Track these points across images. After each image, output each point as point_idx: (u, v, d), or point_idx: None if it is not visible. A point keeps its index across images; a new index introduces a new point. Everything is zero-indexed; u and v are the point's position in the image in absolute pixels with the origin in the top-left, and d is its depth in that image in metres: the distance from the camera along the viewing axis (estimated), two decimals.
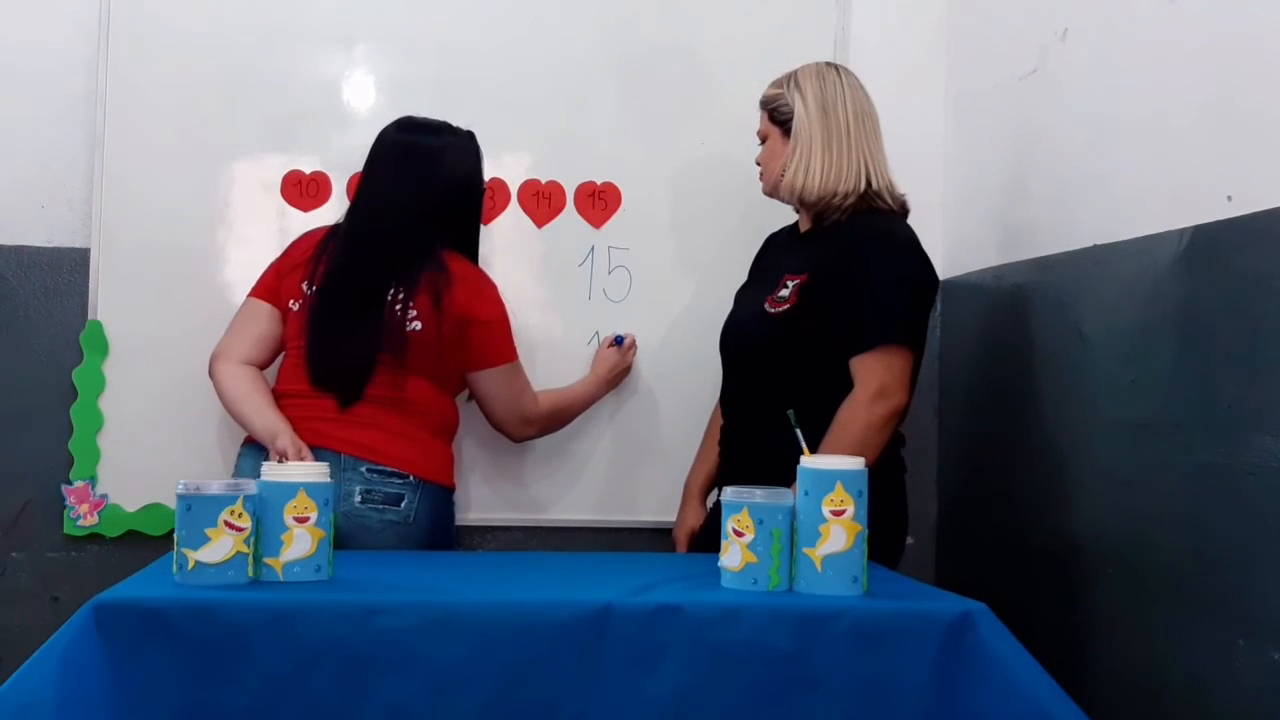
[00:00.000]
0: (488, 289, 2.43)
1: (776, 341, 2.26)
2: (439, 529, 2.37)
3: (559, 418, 2.62)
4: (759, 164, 2.40)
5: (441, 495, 2.39)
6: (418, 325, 2.33)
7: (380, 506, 2.29)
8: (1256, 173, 1.77)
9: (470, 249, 2.49)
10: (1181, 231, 1.92)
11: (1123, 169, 2.13)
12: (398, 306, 2.33)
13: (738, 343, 2.38)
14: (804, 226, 2.38)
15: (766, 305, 2.29)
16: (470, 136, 2.51)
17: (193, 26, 2.70)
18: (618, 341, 2.73)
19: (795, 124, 2.30)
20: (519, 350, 2.49)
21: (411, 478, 2.31)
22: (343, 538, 2.19)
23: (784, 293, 2.28)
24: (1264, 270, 1.73)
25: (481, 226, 2.58)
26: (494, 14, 2.81)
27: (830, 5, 2.88)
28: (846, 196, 2.26)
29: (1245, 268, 1.78)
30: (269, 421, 2.30)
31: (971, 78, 2.81)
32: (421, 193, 2.40)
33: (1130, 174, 2.10)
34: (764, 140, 2.38)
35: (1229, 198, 1.82)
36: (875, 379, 2.16)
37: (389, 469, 2.30)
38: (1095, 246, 2.18)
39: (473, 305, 2.37)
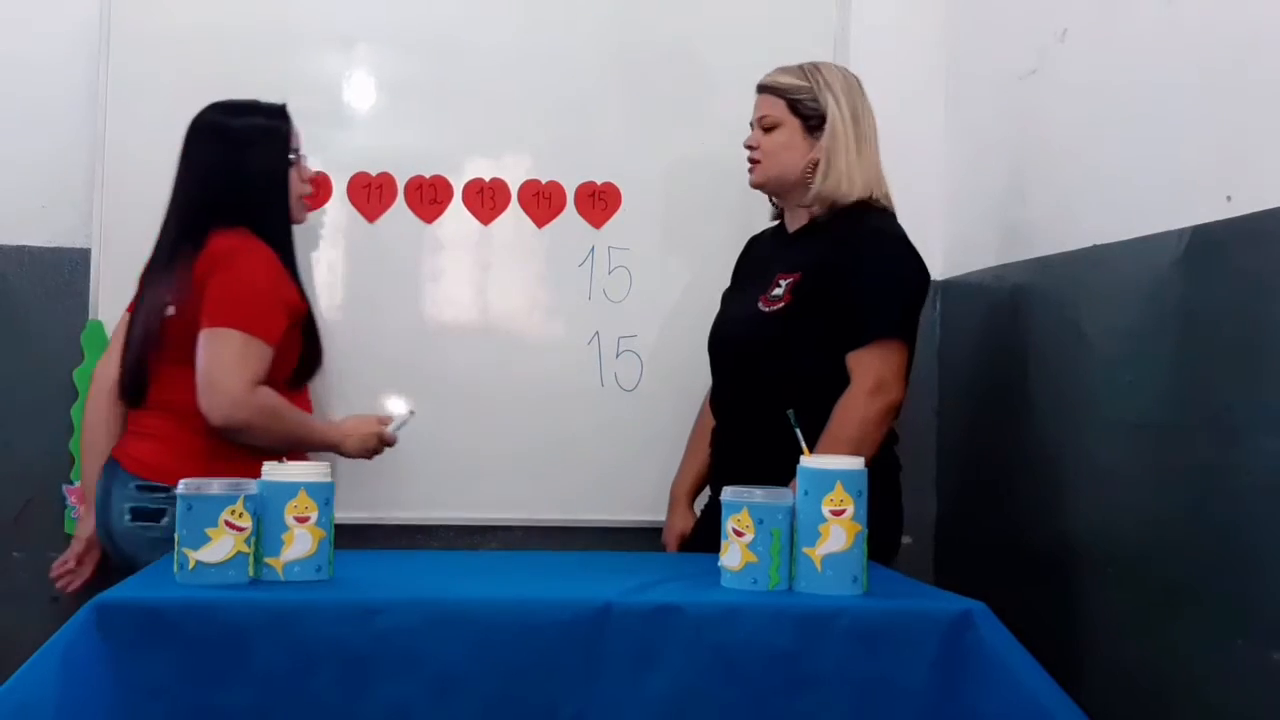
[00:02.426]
0: (238, 259, 2.23)
1: (773, 340, 2.26)
2: None
3: (278, 423, 2.24)
4: (754, 147, 2.34)
5: None
6: (171, 310, 2.26)
7: (145, 524, 2.22)
8: (1256, 173, 1.77)
9: (264, 228, 2.29)
10: (1181, 231, 1.92)
11: (1122, 169, 2.13)
12: (167, 298, 2.27)
13: (731, 343, 2.37)
14: (794, 226, 2.38)
15: (760, 304, 2.29)
16: (260, 112, 2.38)
17: (193, 27, 2.71)
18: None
19: (830, 126, 2.28)
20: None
21: (172, 491, 2.18)
22: (128, 560, 2.20)
23: (778, 291, 2.27)
24: (1264, 270, 1.73)
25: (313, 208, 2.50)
26: (494, 14, 2.81)
27: (830, 5, 2.89)
28: (857, 201, 2.28)
29: (1245, 268, 1.78)
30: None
31: (971, 78, 2.81)
32: (194, 181, 2.33)
33: (1130, 174, 2.10)
34: (770, 128, 2.33)
35: (1229, 198, 1.82)
36: (872, 374, 2.17)
37: (151, 483, 2.23)
38: (1095, 246, 2.18)
39: (210, 273, 2.22)
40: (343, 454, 2.37)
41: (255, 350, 2.20)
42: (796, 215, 2.38)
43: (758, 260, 2.46)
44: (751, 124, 2.38)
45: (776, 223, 2.46)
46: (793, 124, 2.31)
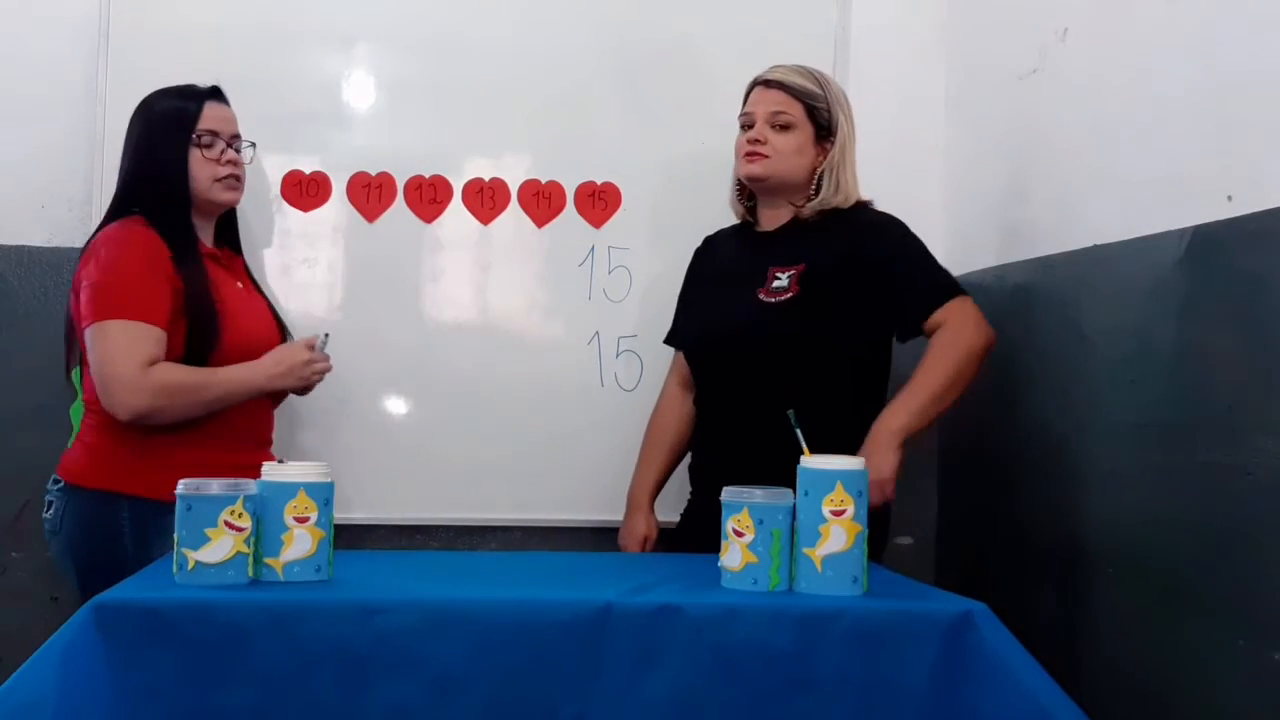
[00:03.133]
0: (103, 249, 2.21)
1: (783, 329, 2.27)
2: (94, 540, 2.19)
3: (190, 393, 2.18)
4: (762, 141, 2.33)
5: (96, 500, 2.20)
6: (70, 313, 2.28)
7: (45, 515, 2.26)
8: (1256, 173, 1.77)
9: (156, 215, 2.25)
10: (1181, 231, 1.92)
11: (1123, 169, 2.13)
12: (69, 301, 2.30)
13: (730, 338, 2.35)
14: (771, 224, 2.40)
15: (761, 297, 2.29)
16: (177, 96, 2.33)
17: (193, 26, 2.70)
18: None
19: (840, 139, 2.35)
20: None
21: (62, 483, 2.24)
22: None
23: (779, 284, 2.29)
24: (1264, 270, 1.73)
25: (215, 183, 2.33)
26: (494, 14, 2.81)
27: (830, 5, 2.89)
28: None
29: (1245, 268, 1.78)
30: None
31: (971, 78, 2.81)
32: (120, 170, 2.35)
33: (1130, 174, 2.10)
34: (785, 127, 2.34)
35: (1229, 198, 1.82)
36: (971, 315, 2.24)
37: (55, 475, 2.27)
38: (1095, 246, 2.18)
39: (82, 272, 2.22)
40: (276, 391, 2.31)
41: (139, 333, 2.14)
42: (776, 214, 2.40)
43: (730, 260, 2.46)
44: (749, 114, 2.37)
45: (737, 222, 2.49)
46: (807, 129, 2.34)
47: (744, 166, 2.36)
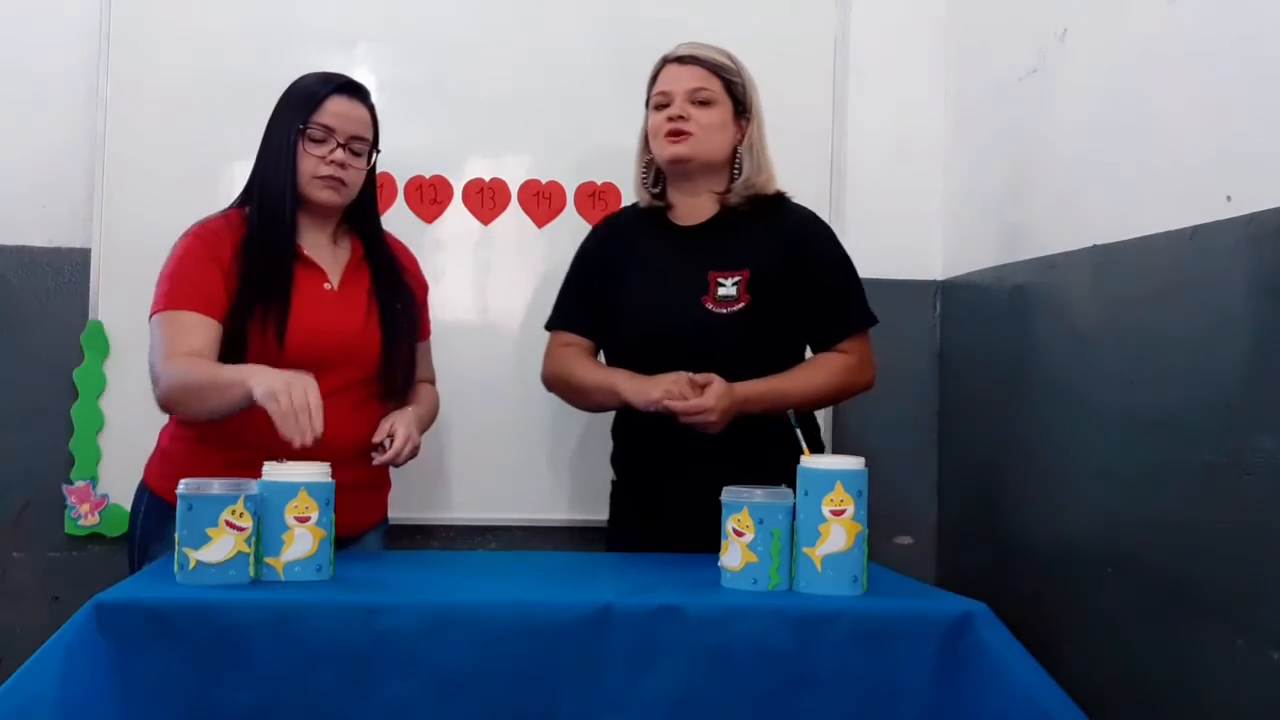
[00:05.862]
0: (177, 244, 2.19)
1: (734, 345, 2.20)
2: (135, 533, 2.22)
3: (193, 382, 2.04)
4: (685, 118, 2.24)
5: (138, 492, 2.23)
6: None
7: None
8: (1256, 173, 1.77)
9: (255, 206, 2.19)
10: (1182, 231, 1.92)
11: (1123, 169, 2.13)
12: None
13: (679, 347, 2.21)
14: (695, 217, 2.30)
15: (708, 305, 2.22)
16: (310, 80, 2.22)
17: (193, 27, 2.71)
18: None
19: (756, 114, 2.31)
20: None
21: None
22: None
23: (726, 291, 2.22)
24: (1264, 270, 1.73)
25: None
26: (494, 14, 2.81)
27: (830, 5, 2.89)
28: (775, 192, 2.33)
29: (1245, 268, 1.78)
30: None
31: (971, 78, 2.81)
32: None
33: (1130, 174, 2.10)
34: (706, 103, 2.26)
35: (1229, 198, 1.82)
36: (866, 356, 2.31)
37: None
38: (1095, 246, 2.18)
39: None
40: (268, 396, 1.93)
41: (170, 324, 2.08)
42: (698, 204, 2.30)
43: (653, 253, 2.31)
44: (666, 93, 2.28)
45: (644, 208, 2.35)
46: (726, 105, 2.28)
47: (667, 148, 2.25)
